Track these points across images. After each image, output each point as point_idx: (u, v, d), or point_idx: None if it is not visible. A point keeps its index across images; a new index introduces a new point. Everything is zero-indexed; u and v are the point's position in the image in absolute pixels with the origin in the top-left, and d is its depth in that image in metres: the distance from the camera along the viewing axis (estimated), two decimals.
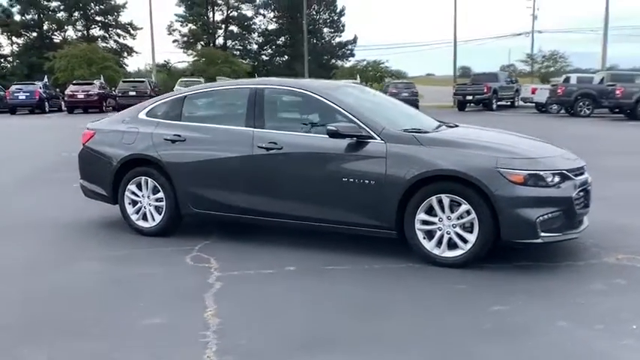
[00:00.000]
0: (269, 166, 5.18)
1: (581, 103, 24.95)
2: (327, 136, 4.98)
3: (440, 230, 4.66)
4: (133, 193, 5.79)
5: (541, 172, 4.54)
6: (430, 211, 4.69)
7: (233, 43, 62.64)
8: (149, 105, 6.03)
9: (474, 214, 4.54)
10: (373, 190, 4.80)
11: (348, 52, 63.03)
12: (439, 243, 4.68)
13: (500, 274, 4.55)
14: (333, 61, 62.72)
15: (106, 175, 5.90)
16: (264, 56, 64.11)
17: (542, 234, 4.48)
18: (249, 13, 62.46)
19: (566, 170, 4.69)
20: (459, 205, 4.59)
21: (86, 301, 4.17)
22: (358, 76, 36.16)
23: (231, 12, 62.07)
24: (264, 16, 63.08)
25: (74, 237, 5.95)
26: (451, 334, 3.52)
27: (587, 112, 24.82)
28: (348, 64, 55.03)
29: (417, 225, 4.72)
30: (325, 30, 62.97)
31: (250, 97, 5.43)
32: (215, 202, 5.45)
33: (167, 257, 5.15)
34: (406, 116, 5.65)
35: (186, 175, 5.52)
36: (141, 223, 5.80)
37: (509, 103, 33.61)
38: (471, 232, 4.58)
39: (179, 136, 5.58)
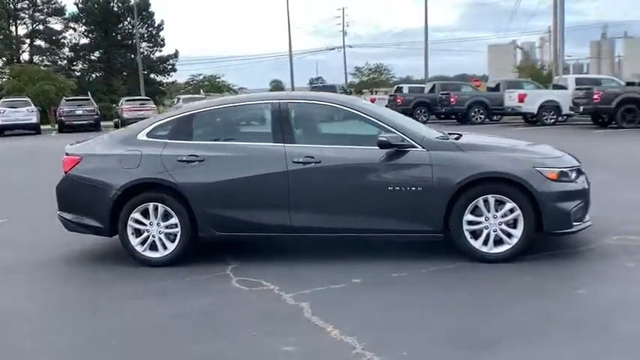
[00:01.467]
0: (308, 181, 5.12)
1: (418, 111, 27.31)
2: (363, 146, 5.13)
3: (487, 229, 5.01)
4: (137, 221, 5.30)
5: (566, 169, 5.12)
6: (474, 211, 5.02)
7: (40, 58, 57.61)
8: (149, 125, 5.56)
9: (518, 211, 4.95)
10: (420, 196, 5.00)
11: (170, 66, 61.51)
12: (485, 241, 5.03)
13: (546, 262, 5.02)
14: (153, 76, 60.72)
15: (102, 205, 5.31)
16: (76, 72, 59.88)
17: (574, 223, 5.06)
18: (58, 27, 58.08)
19: (578, 166, 5.33)
20: (502, 203, 4.98)
21: (182, 337, 3.84)
22: (202, 90, 35.55)
23: (36, 25, 57.06)
24: (74, 29, 59.05)
25: (86, 276, 5.34)
26: (574, 316, 3.87)
27: (424, 118, 27.15)
28: (181, 80, 53.23)
29: (465, 226, 5.02)
30: (144, 44, 60.65)
31: (275, 113, 5.31)
32: (244, 222, 5.22)
33: (210, 285, 4.83)
34: (418, 126, 5.92)
35: (207, 197, 5.20)
36: (149, 254, 5.32)
37: None
38: (515, 227, 5.00)
39: (196, 156, 5.25)
